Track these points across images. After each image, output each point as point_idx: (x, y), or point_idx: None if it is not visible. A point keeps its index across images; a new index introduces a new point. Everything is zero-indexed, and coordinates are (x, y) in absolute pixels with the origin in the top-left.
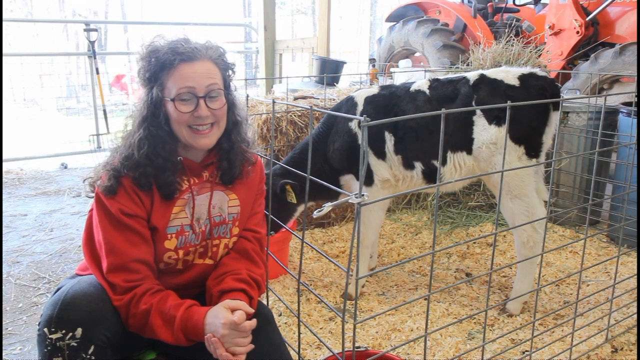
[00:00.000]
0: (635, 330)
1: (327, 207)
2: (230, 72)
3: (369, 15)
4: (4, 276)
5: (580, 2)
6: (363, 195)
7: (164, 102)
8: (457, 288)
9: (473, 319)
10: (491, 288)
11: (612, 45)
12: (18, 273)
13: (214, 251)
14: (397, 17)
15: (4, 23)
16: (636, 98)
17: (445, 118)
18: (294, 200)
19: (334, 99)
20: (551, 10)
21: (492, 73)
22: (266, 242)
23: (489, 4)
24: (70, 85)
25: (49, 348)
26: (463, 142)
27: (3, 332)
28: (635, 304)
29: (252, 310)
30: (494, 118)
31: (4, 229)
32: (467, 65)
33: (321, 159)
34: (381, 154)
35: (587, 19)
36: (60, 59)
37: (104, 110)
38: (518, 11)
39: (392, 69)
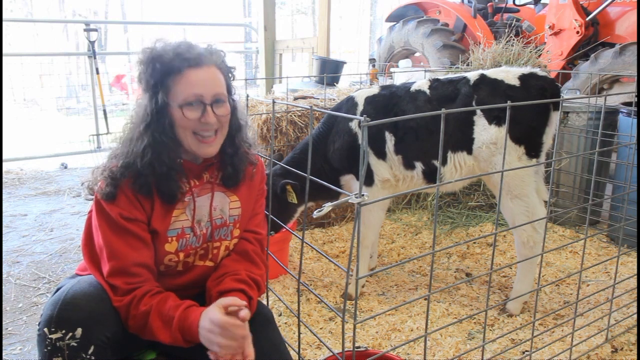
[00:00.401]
0: (635, 330)
1: (327, 207)
2: (231, 75)
3: (369, 15)
4: (4, 276)
5: (580, 2)
6: (363, 195)
7: (169, 108)
8: (457, 288)
9: (473, 319)
10: (491, 288)
11: (612, 45)
12: (18, 273)
13: (214, 253)
14: (397, 17)
15: (4, 23)
16: (636, 98)
17: (445, 118)
18: (295, 201)
19: (334, 99)
20: (551, 10)
21: (492, 73)
22: (266, 242)
23: (489, 4)
24: (70, 85)
25: (49, 348)
26: (463, 142)
27: (3, 332)
28: (635, 304)
29: (244, 303)
30: (494, 118)
31: (4, 229)
32: (467, 65)
33: (321, 159)
34: (381, 154)
35: (587, 19)
36: (60, 59)
37: (104, 110)
38: (518, 11)
39: (392, 69)
